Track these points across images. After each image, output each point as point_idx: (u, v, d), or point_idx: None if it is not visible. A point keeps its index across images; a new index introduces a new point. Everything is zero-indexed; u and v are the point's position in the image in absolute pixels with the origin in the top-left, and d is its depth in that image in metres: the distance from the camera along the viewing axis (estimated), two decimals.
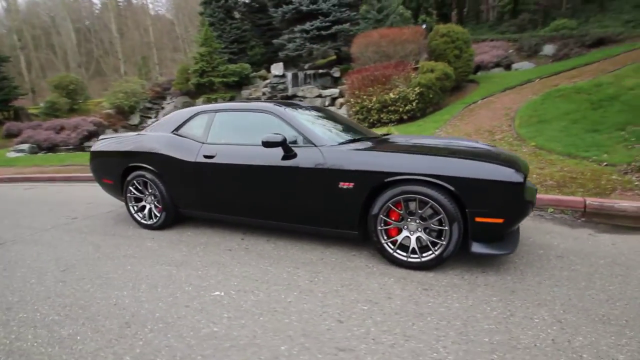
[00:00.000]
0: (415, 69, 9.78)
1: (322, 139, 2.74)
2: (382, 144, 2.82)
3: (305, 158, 2.66)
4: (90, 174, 4.15)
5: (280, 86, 16.45)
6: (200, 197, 3.18)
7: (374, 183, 2.43)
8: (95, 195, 5.23)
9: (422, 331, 1.78)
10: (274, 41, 18.68)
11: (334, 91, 14.14)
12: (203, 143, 3.14)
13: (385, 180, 2.39)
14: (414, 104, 8.93)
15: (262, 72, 17.99)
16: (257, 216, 3.04)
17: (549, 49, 13.27)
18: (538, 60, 13.29)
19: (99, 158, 3.84)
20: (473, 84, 10.78)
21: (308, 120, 3.00)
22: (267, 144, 2.65)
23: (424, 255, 2.41)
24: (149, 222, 3.52)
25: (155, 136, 3.43)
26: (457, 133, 7.04)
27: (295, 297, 2.15)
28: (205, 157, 3.05)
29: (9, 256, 3.04)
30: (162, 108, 18.34)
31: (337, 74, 17.55)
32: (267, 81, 16.99)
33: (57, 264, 2.80)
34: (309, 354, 1.64)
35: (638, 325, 1.77)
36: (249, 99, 16.18)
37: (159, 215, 3.45)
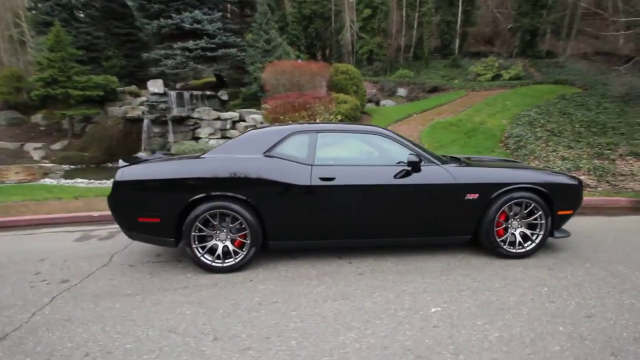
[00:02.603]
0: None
1: (439, 158, 3.14)
2: (473, 162, 3.43)
3: (433, 175, 2.98)
4: None
5: (162, 105, 14.54)
6: (312, 224, 2.92)
7: (493, 193, 3.02)
8: (28, 249, 3.58)
9: (598, 293, 2.47)
10: (145, 55, 16.54)
11: (234, 114, 13.68)
12: (312, 165, 2.93)
13: (502, 190, 3.02)
14: None
15: (133, 87, 15.44)
16: (374, 235, 3.07)
17: (402, 91, 17.20)
18: (396, 99, 16.97)
19: (136, 190, 2.83)
20: (366, 115, 12.82)
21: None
22: (410, 164, 2.85)
23: (526, 245, 3.13)
24: (226, 264, 2.88)
25: (242, 159, 2.90)
26: None
27: (495, 295, 2.46)
28: (322, 179, 2.87)
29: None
30: None
31: (225, 97, 17.06)
32: (143, 99, 14.69)
33: (190, 333, 2.02)
34: (576, 325, 2.05)
35: None
36: (127, 118, 13.56)
37: (243, 252, 2.89)
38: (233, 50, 16.37)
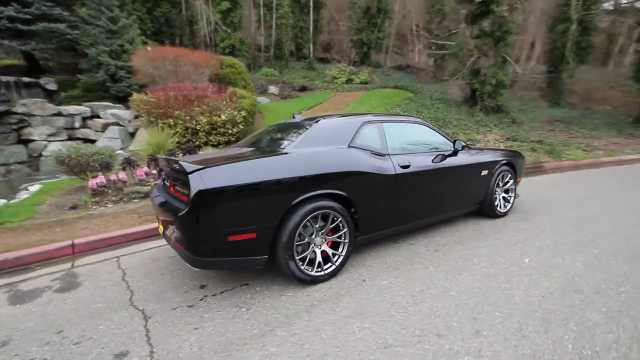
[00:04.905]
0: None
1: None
2: (470, 146, 4.20)
3: (465, 158, 3.58)
4: None
5: None
6: (395, 212, 2.97)
7: (494, 169, 3.89)
8: None
9: (572, 228, 3.66)
10: None
11: (84, 109, 10.54)
12: (388, 155, 2.96)
13: (497, 166, 3.93)
14: (241, 126, 9.37)
15: None
16: (433, 214, 3.42)
17: (273, 89, 17.49)
18: (269, 97, 17.14)
19: (229, 201, 2.08)
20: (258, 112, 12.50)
21: None
22: (462, 148, 3.34)
23: (507, 206, 4.19)
24: (327, 271, 2.58)
25: (335, 153, 2.61)
26: None
27: (537, 242, 3.26)
28: (402, 167, 2.96)
29: None
30: None
31: (52, 87, 12.84)
32: None
33: (400, 340, 1.82)
34: (597, 248, 3.06)
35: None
36: None
37: (342, 254, 2.65)
38: (61, 27, 12.49)
